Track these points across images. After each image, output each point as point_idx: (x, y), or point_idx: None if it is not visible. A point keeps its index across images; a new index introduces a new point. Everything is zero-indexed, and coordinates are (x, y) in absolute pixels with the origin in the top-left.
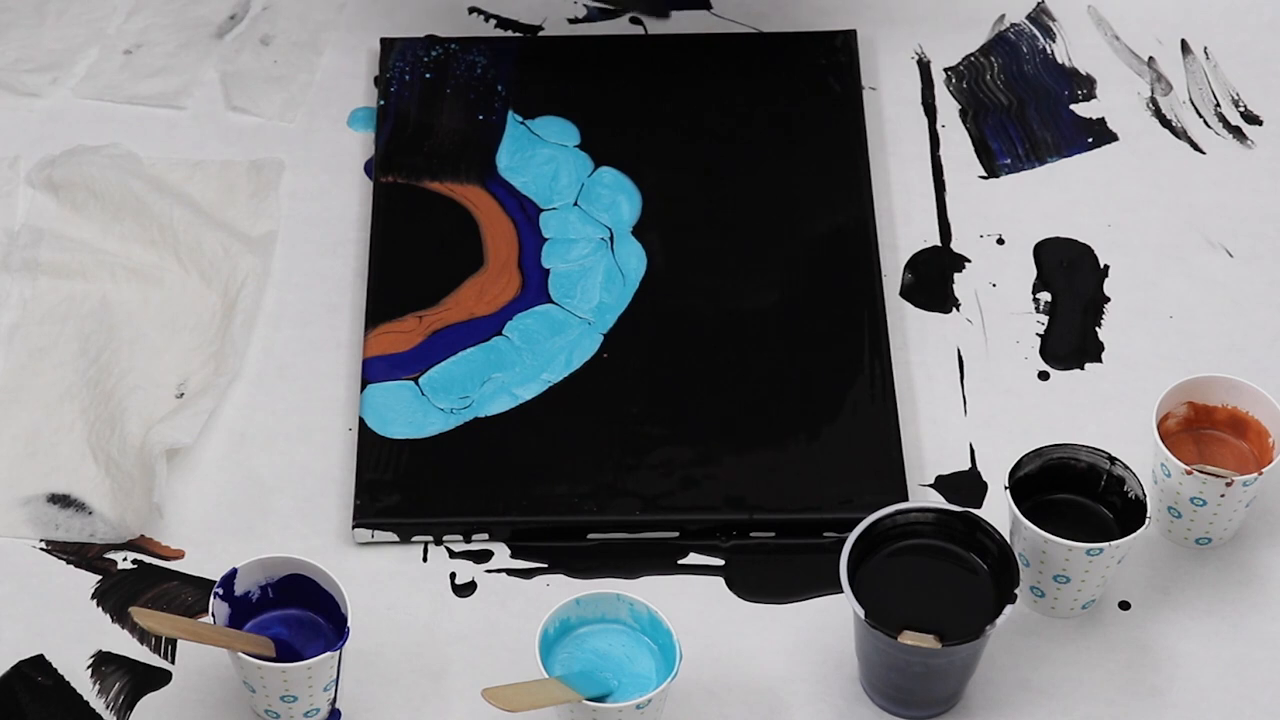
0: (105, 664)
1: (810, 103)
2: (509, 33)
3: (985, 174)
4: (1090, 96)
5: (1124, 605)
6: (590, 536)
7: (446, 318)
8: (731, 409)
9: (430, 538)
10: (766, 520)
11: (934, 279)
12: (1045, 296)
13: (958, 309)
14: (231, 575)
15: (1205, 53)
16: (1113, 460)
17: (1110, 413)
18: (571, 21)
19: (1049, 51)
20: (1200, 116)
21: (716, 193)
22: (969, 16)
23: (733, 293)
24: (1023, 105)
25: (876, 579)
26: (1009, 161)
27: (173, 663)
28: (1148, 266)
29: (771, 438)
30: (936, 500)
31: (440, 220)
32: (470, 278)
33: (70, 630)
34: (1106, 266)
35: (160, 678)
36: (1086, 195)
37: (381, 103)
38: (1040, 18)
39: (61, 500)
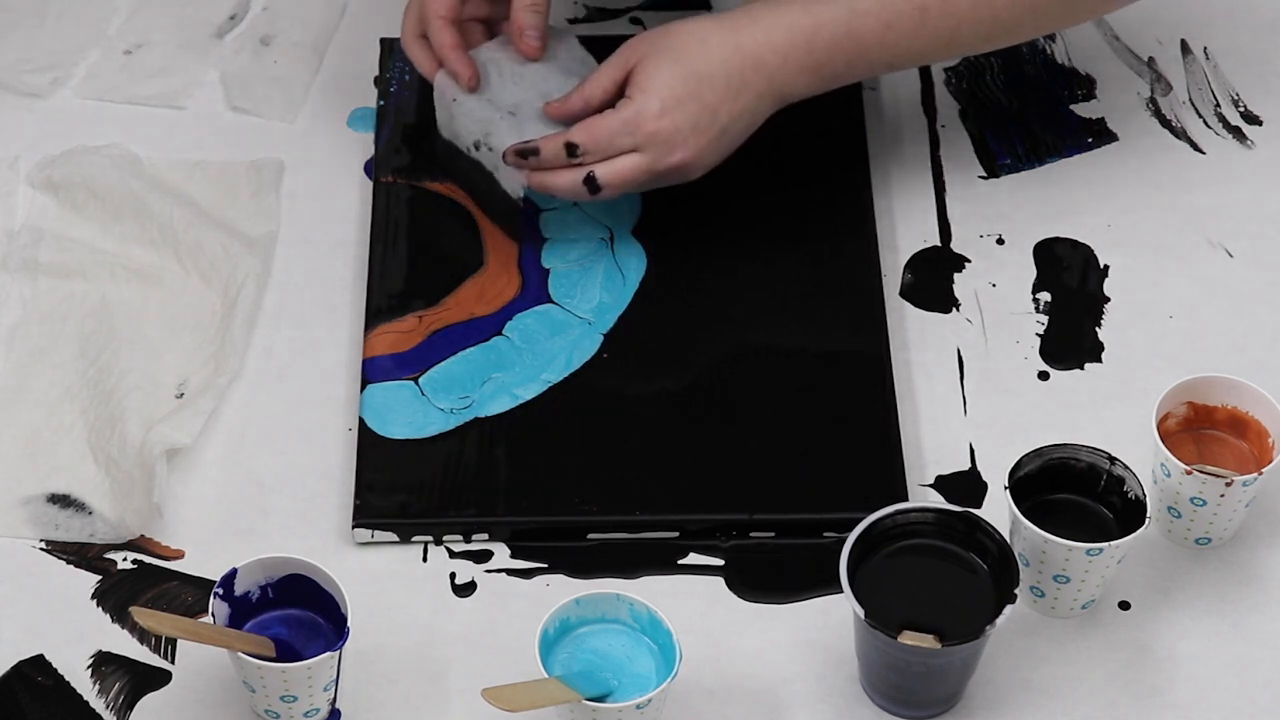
0: (105, 664)
1: (810, 103)
2: None
3: (985, 174)
4: (1090, 96)
5: (1124, 605)
6: (590, 536)
7: (446, 318)
8: (731, 409)
9: (430, 538)
10: (766, 520)
11: (934, 279)
12: (1045, 296)
13: (958, 309)
14: (231, 575)
15: (1205, 53)
16: (1113, 460)
17: (1110, 413)
18: (571, 21)
19: (1049, 51)
20: (1200, 117)
21: (716, 192)
22: None
23: (732, 293)
24: (1023, 105)
25: (876, 579)
26: (1009, 161)
27: (173, 663)
28: (1148, 266)
29: (771, 437)
30: (936, 500)
31: (440, 220)
32: (470, 278)
33: (70, 630)
34: (1106, 266)
35: (160, 678)
36: (1086, 195)
37: (381, 103)
38: None
39: (61, 500)
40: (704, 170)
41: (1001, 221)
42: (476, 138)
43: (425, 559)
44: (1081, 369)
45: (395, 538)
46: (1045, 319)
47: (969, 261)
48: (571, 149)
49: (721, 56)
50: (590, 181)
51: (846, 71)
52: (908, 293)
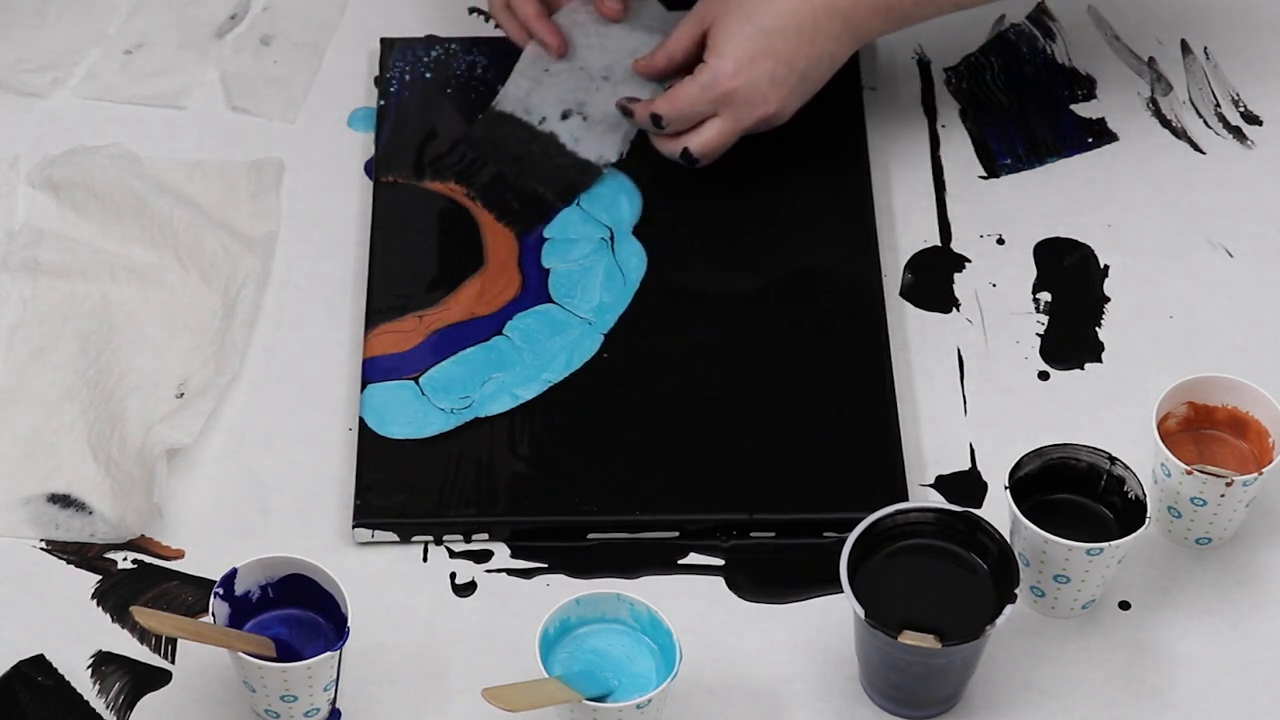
0: (105, 664)
1: (810, 102)
2: None
3: (985, 174)
4: (1090, 96)
5: (1124, 605)
6: (590, 536)
7: (446, 318)
8: (731, 409)
9: (430, 538)
10: (766, 520)
11: (934, 279)
12: (1045, 296)
13: (958, 309)
14: (231, 575)
15: (1205, 53)
16: (1113, 460)
17: (1110, 413)
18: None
19: (1049, 51)
20: (1200, 116)
21: (717, 192)
22: (969, 16)
23: (732, 292)
24: (1023, 105)
25: (876, 579)
26: (1009, 161)
27: (173, 663)
28: (1148, 266)
29: (771, 437)
30: (936, 500)
31: (440, 220)
32: (470, 278)
33: (70, 630)
34: (1106, 266)
35: (160, 678)
36: (1086, 195)
37: (381, 103)
38: (1040, 18)
39: (61, 500)
40: (791, 114)
41: (1001, 221)
42: (568, 105)
43: (425, 559)
44: (1081, 369)
45: (395, 538)
46: (1045, 319)
47: (969, 261)
48: (656, 120)
49: (791, 8)
50: (686, 156)
51: (916, 11)
52: (908, 293)
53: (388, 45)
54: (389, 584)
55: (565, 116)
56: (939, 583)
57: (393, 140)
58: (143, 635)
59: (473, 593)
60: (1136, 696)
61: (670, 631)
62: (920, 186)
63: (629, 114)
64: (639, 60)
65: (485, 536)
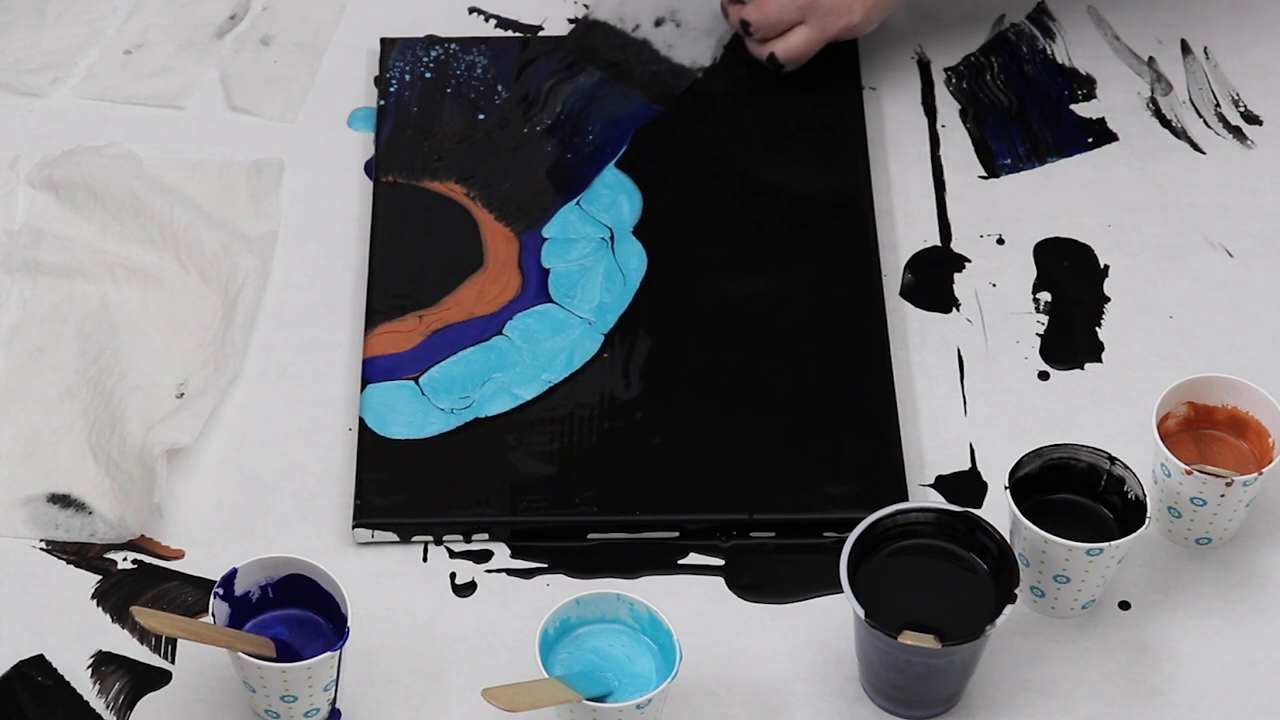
0: (105, 664)
1: (810, 103)
2: (509, 33)
3: (985, 174)
4: (1090, 96)
5: (1124, 605)
6: (590, 536)
7: (446, 318)
8: (732, 409)
9: (430, 538)
10: (766, 520)
11: (934, 279)
12: (1045, 296)
13: (958, 309)
14: (231, 575)
15: (1205, 53)
16: (1113, 460)
17: (1110, 413)
18: (571, 22)
19: (1049, 51)
20: (1200, 116)
21: (717, 192)
22: (969, 16)
23: (733, 292)
24: (1023, 105)
25: (876, 579)
26: (1009, 161)
27: (173, 663)
28: (1148, 266)
29: (771, 437)
30: (936, 500)
31: (440, 220)
32: (470, 278)
33: (70, 630)
34: (1106, 266)
35: (160, 678)
36: (1086, 195)
37: (381, 103)
38: (1040, 18)
39: (61, 500)
40: (874, 25)
41: (1001, 221)
42: (661, 13)
43: (425, 559)
44: (1081, 369)
45: (395, 538)
46: (1045, 319)
47: (969, 261)
48: (745, 26)
49: None
50: (772, 61)
51: None
52: (908, 293)
53: (388, 45)
54: (389, 584)
55: (659, 24)
56: (939, 583)
57: (393, 140)
58: (143, 635)
59: (473, 593)
60: (1136, 696)
61: (670, 631)
62: (920, 186)
63: (726, 15)
64: None
65: (485, 536)
